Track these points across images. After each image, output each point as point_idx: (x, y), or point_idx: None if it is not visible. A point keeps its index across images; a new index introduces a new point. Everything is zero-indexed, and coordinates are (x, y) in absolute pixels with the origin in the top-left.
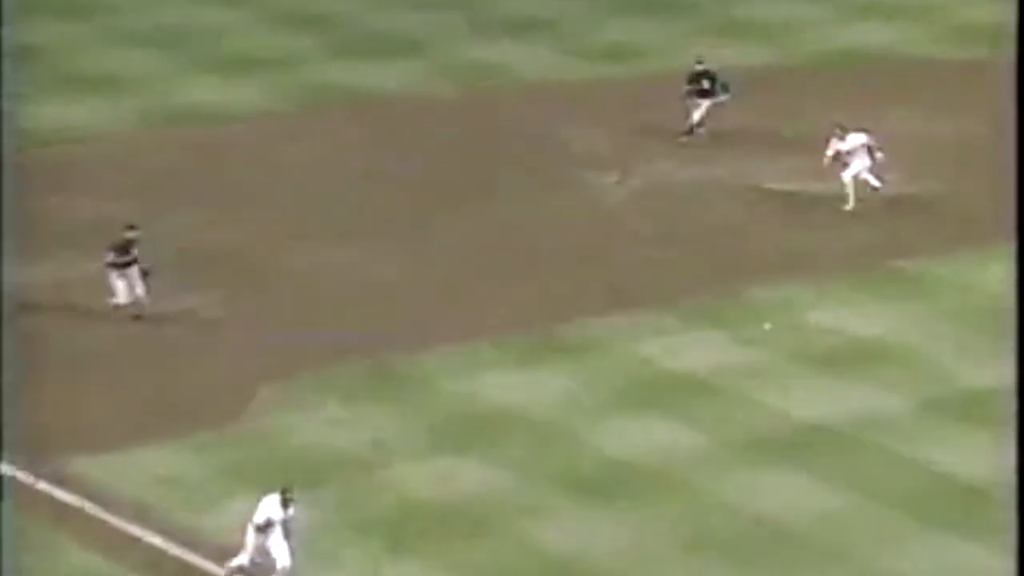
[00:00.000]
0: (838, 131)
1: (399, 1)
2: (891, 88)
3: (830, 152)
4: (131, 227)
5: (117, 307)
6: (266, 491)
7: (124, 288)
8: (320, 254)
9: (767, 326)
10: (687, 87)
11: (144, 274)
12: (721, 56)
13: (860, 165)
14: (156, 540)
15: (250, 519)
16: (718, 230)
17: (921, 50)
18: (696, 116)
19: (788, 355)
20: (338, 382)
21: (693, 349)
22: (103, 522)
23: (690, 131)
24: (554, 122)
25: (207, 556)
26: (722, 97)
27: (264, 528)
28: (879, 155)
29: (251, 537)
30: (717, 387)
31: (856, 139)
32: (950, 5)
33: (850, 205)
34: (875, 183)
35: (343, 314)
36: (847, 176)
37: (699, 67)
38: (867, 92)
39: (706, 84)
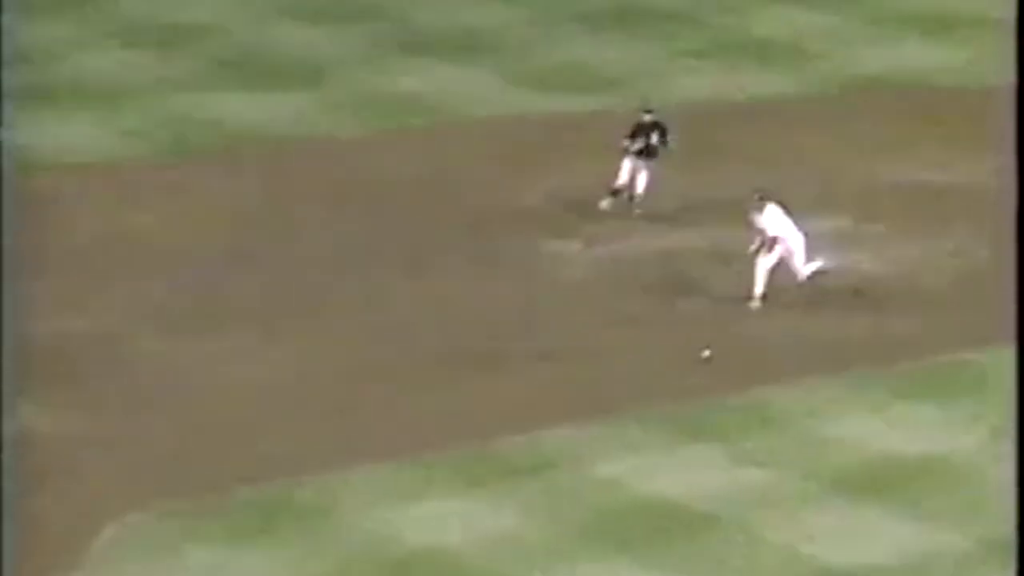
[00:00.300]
0: (757, 199)
1: (294, 11)
2: (932, 123)
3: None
4: None
5: None
6: None
7: None
8: (188, 346)
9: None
10: (626, 143)
11: None
12: (716, 84)
13: (781, 252)
14: None
15: None
16: (707, 314)
17: (972, 76)
18: (641, 184)
19: (803, 477)
20: (212, 517)
21: (678, 470)
22: None
23: (631, 198)
24: (499, 171)
25: None
26: (665, 146)
27: None
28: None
29: None
30: (710, 520)
31: (776, 216)
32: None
33: (756, 302)
34: (801, 272)
35: (218, 426)
36: (762, 269)
37: (647, 117)
38: (903, 129)
39: (654, 139)
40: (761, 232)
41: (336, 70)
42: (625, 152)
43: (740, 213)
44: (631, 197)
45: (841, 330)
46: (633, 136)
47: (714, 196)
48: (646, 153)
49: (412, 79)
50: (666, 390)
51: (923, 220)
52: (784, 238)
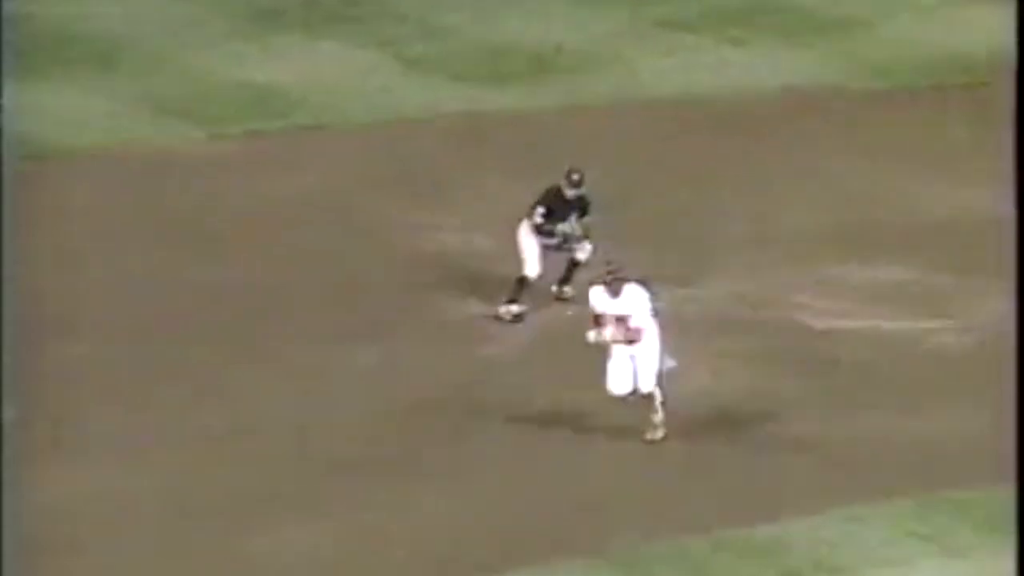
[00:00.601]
0: (606, 274)
1: None
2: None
3: (598, 309)
4: None
5: None
6: None
7: None
8: None
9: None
10: (541, 221)
11: None
12: (704, 70)
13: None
14: None
15: None
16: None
17: None
18: (584, 253)
19: None
20: None
21: None
22: None
23: (573, 264)
24: (393, 198)
25: None
26: (582, 247)
27: None
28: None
29: None
30: None
31: (636, 298)
32: None
33: (659, 433)
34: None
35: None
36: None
37: (572, 192)
38: (973, 136)
39: (574, 221)
40: (605, 317)
41: (157, 53)
42: (540, 233)
43: (748, 260)
44: (574, 264)
45: (861, 429)
46: (548, 213)
47: (691, 236)
48: (564, 242)
49: (269, 65)
50: (634, 520)
51: (998, 267)
52: (644, 330)
